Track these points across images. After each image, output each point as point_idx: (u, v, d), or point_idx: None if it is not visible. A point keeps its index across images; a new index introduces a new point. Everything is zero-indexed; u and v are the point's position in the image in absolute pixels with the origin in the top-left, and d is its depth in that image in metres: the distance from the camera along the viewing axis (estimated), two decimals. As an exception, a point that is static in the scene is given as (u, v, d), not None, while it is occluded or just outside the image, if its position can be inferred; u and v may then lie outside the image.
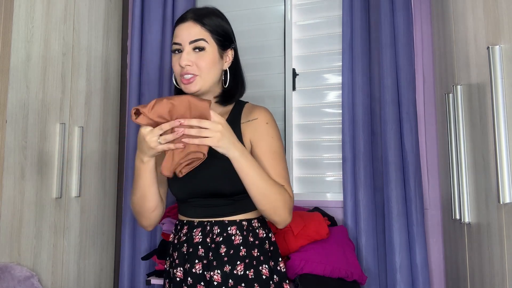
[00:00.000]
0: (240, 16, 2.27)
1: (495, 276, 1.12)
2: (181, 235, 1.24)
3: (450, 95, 1.44)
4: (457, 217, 1.40)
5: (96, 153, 2.01)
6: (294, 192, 2.08)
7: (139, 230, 2.08)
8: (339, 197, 1.98)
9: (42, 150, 1.66)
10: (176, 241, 1.26)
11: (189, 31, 1.18)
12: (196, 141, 1.03)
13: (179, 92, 1.25)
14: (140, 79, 2.19)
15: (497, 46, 1.00)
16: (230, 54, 1.26)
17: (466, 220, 1.34)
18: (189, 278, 1.17)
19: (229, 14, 2.26)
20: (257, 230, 1.23)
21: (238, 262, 1.17)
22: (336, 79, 2.09)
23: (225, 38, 1.23)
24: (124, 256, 2.08)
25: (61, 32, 1.79)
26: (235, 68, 1.29)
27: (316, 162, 2.08)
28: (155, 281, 1.85)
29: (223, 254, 1.17)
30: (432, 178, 1.87)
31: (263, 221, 1.29)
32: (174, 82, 1.26)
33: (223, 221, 1.21)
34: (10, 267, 1.43)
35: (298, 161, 2.10)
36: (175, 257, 1.23)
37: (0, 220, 1.45)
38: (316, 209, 1.89)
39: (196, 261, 1.18)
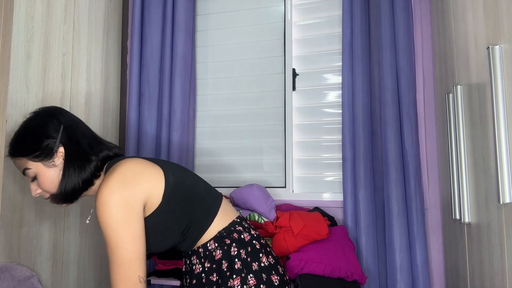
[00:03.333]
0: (240, 16, 2.27)
1: (495, 276, 1.12)
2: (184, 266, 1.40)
3: (450, 95, 1.44)
4: (457, 217, 1.40)
5: (96, 153, 2.01)
6: (294, 192, 2.08)
7: (139, 230, 2.08)
8: (339, 197, 1.98)
9: (42, 150, 1.66)
10: None
11: (16, 166, 1.24)
12: None
13: None
14: (140, 79, 2.20)
15: (497, 46, 1.00)
16: (60, 152, 1.21)
17: (466, 220, 1.34)
18: None
19: (229, 14, 2.28)
20: (213, 253, 1.22)
21: None
22: (336, 79, 2.09)
23: (43, 152, 1.19)
24: (124, 256, 2.08)
25: (61, 32, 1.79)
26: (69, 159, 1.21)
27: (316, 162, 2.08)
28: (155, 281, 1.85)
29: (187, 285, 1.26)
30: (432, 178, 1.87)
31: (221, 238, 1.24)
32: None
33: (188, 252, 1.28)
34: (10, 267, 1.43)
35: (298, 161, 2.10)
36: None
37: (0, 220, 1.45)
38: (316, 209, 1.89)
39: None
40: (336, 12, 2.12)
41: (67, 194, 1.21)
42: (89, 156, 1.23)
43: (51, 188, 1.20)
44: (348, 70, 1.94)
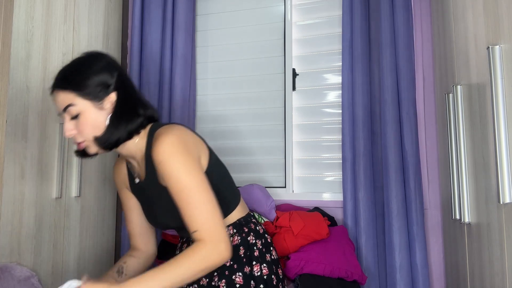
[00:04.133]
0: (240, 16, 2.27)
1: (495, 276, 1.12)
2: (178, 250, 1.38)
3: (450, 95, 1.44)
4: (457, 217, 1.40)
5: (96, 153, 2.01)
6: (294, 192, 2.08)
7: (139, 230, 2.08)
8: (339, 197, 1.98)
9: (42, 150, 1.66)
10: None
11: (58, 100, 1.13)
12: None
13: None
14: (140, 79, 2.20)
15: (497, 46, 1.01)
16: (111, 97, 1.14)
17: (466, 220, 1.34)
18: None
19: (229, 14, 2.28)
20: (231, 238, 1.24)
21: (215, 273, 1.20)
22: (336, 79, 2.09)
23: (96, 90, 1.12)
24: (124, 256, 2.08)
25: (61, 32, 1.79)
26: (120, 107, 1.15)
27: (316, 162, 2.08)
28: (155, 281, 1.84)
29: None
30: (432, 178, 1.87)
31: (240, 225, 1.26)
32: None
33: None
34: (10, 267, 1.43)
35: (298, 161, 2.10)
36: None
37: (0, 220, 1.45)
38: (316, 209, 1.89)
39: None
40: (336, 12, 2.12)
41: (110, 142, 1.14)
42: (138, 110, 1.18)
43: (91, 131, 1.12)
44: (348, 70, 1.94)
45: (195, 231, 1.04)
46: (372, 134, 1.90)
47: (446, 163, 1.63)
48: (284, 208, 1.90)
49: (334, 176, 2.05)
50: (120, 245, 2.15)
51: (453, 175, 1.42)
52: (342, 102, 1.93)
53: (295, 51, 2.16)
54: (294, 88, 2.14)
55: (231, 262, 1.20)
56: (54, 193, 1.72)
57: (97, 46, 2.05)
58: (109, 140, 1.13)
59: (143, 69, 2.19)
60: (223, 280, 1.18)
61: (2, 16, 1.53)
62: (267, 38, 2.23)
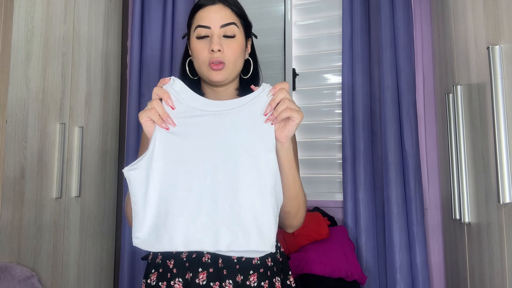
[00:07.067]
0: (240, 16, 2.28)
1: (495, 276, 1.12)
2: None
3: (450, 95, 1.44)
4: (457, 217, 1.40)
5: (96, 153, 2.01)
6: (294, 192, 2.08)
7: (139, 230, 2.08)
8: (339, 197, 1.98)
9: (42, 150, 1.66)
10: None
11: (220, 14, 1.08)
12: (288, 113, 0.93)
13: (190, 81, 1.15)
14: (140, 79, 2.20)
15: (497, 46, 1.01)
16: (249, 43, 1.18)
17: (466, 220, 1.34)
18: None
19: (229, 14, 2.28)
20: None
21: (251, 272, 1.02)
22: (336, 79, 2.09)
23: (248, 25, 1.15)
24: (124, 256, 2.08)
25: (61, 32, 1.79)
26: (254, 58, 1.20)
27: (316, 162, 2.08)
28: (155, 281, 1.85)
29: (235, 261, 1.02)
30: (432, 178, 1.87)
31: None
32: (188, 71, 1.16)
33: None
34: (10, 267, 1.43)
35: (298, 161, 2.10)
36: (171, 266, 1.05)
37: (0, 220, 1.45)
38: (316, 209, 1.89)
39: (200, 269, 1.01)
40: (336, 12, 2.12)
41: (238, 73, 1.14)
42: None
43: (237, 56, 1.10)
44: (348, 70, 1.94)
45: None
46: (372, 134, 1.90)
47: (446, 163, 1.63)
48: (284, 208, 1.90)
49: (334, 176, 2.05)
50: (120, 245, 2.15)
51: (453, 175, 1.42)
52: (342, 102, 1.93)
53: (295, 51, 2.16)
54: (294, 88, 2.14)
55: (272, 263, 1.07)
56: (54, 193, 1.72)
57: (97, 46, 2.05)
58: (240, 71, 1.14)
59: (143, 69, 2.19)
60: (266, 281, 1.04)
61: (2, 16, 1.53)
62: (267, 38, 2.23)
